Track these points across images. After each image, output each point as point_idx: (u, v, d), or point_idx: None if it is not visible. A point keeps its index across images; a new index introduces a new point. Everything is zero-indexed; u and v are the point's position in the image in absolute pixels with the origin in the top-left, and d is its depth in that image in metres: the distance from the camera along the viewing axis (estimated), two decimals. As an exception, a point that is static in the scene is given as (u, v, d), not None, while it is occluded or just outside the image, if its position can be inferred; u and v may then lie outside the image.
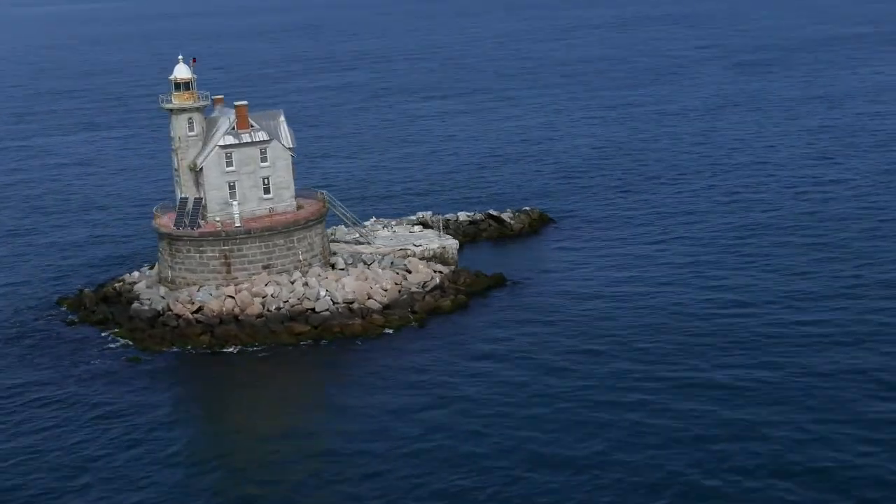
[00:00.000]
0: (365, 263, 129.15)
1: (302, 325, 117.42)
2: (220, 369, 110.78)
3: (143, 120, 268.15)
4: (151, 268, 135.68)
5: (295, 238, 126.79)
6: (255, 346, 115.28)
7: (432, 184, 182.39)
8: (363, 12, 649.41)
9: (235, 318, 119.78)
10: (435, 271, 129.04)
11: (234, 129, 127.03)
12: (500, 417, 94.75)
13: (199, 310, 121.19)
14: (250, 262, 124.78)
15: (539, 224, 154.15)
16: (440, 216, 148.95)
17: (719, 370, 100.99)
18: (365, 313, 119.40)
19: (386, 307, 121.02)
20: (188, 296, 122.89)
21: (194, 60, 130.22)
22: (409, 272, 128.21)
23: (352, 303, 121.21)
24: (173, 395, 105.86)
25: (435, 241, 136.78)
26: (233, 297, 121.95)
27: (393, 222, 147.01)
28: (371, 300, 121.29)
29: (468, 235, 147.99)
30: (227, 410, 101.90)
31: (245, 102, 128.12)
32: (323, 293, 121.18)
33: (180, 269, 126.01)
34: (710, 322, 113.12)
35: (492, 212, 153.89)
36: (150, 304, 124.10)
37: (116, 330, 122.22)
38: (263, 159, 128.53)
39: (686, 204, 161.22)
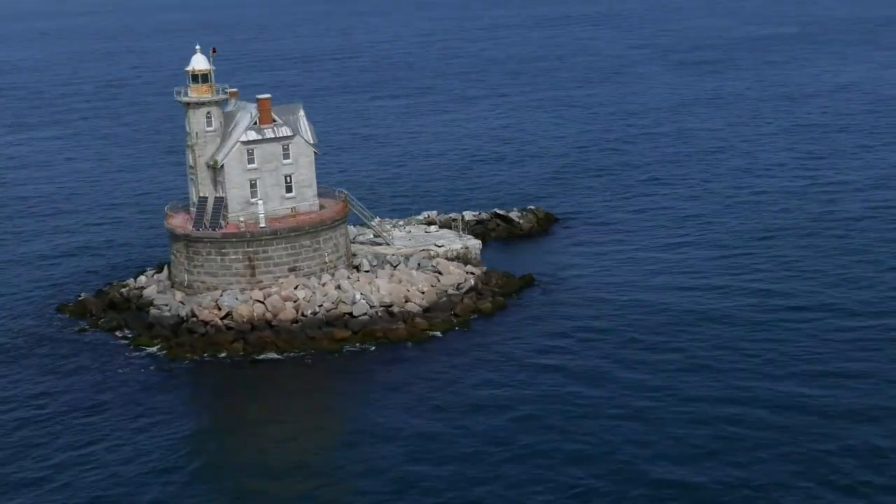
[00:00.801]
0: (391, 265, 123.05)
1: (343, 331, 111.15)
2: (263, 377, 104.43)
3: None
4: (158, 271, 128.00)
5: (321, 239, 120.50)
6: (294, 353, 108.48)
7: (415, 184, 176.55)
8: (254, 11, 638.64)
9: (268, 323, 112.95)
10: (467, 272, 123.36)
11: (256, 123, 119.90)
12: (578, 420, 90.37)
13: (227, 315, 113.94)
14: (276, 265, 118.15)
15: (546, 223, 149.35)
16: (459, 215, 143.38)
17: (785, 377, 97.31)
18: (406, 317, 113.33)
19: (426, 310, 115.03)
20: (212, 301, 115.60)
21: (214, 51, 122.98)
22: (440, 273, 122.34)
23: (389, 306, 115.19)
24: (216, 404, 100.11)
25: (457, 241, 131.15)
26: (261, 302, 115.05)
27: (401, 222, 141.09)
28: (410, 303, 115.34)
29: (476, 235, 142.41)
30: (278, 419, 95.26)
31: (268, 96, 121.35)
32: (358, 296, 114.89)
33: (199, 272, 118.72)
34: (759, 323, 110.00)
35: (499, 211, 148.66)
36: (171, 310, 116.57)
37: (135, 337, 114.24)
38: (286, 156, 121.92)
39: (685, 200, 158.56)
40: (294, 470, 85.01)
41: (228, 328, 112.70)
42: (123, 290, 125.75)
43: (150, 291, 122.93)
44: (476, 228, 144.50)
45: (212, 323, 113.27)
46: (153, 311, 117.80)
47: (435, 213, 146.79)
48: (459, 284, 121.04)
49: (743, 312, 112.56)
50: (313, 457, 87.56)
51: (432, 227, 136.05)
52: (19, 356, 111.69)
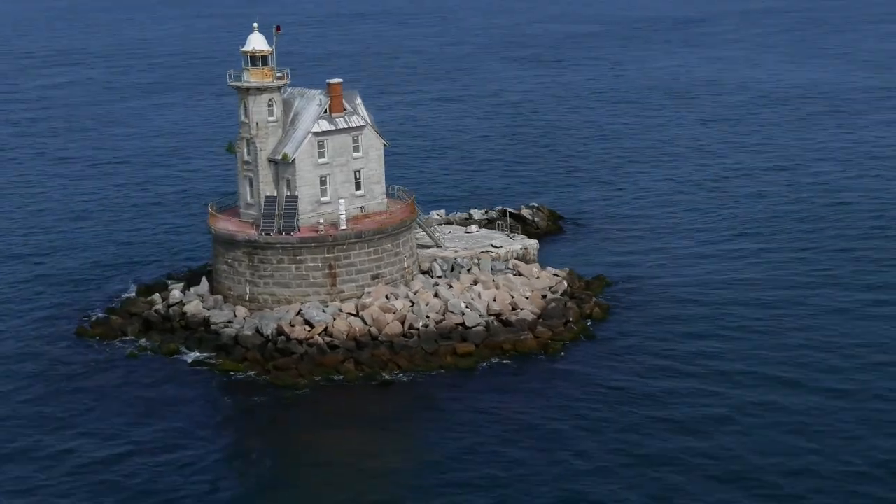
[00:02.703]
0: (465, 269, 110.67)
1: (465, 345, 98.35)
2: (412, 401, 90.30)
3: None
4: (188, 285, 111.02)
5: (401, 242, 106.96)
6: (420, 372, 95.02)
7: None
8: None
9: (373, 339, 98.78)
10: (553, 275, 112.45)
11: (326, 112, 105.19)
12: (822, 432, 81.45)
13: (324, 332, 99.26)
14: (358, 272, 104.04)
15: (555, 221, 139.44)
16: (508, 211, 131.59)
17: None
18: (525, 326, 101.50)
19: (540, 317, 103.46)
20: (297, 316, 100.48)
21: (278, 29, 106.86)
22: (524, 277, 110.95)
23: (499, 314, 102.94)
24: (397, 440, 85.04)
25: (514, 241, 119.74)
26: (355, 315, 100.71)
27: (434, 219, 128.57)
28: (523, 311, 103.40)
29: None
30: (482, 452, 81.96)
31: (340, 80, 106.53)
32: (462, 305, 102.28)
33: (268, 283, 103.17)
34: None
35: (510, 209, 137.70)
36: (243, 329, 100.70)
37: (216, 362, 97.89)
38: (356, 149, 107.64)
39: (681, 193, 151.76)
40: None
41: (332, 346, 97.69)
42: (158, 307, 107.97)
43: (194, 307, 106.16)
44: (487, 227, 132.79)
45: (311, 341, 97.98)
46: (226, 330, 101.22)
47: (479, 211, 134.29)
48: (552, 288, 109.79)
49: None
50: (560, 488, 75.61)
51: (473, 227, 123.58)
52: (83, 391, 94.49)
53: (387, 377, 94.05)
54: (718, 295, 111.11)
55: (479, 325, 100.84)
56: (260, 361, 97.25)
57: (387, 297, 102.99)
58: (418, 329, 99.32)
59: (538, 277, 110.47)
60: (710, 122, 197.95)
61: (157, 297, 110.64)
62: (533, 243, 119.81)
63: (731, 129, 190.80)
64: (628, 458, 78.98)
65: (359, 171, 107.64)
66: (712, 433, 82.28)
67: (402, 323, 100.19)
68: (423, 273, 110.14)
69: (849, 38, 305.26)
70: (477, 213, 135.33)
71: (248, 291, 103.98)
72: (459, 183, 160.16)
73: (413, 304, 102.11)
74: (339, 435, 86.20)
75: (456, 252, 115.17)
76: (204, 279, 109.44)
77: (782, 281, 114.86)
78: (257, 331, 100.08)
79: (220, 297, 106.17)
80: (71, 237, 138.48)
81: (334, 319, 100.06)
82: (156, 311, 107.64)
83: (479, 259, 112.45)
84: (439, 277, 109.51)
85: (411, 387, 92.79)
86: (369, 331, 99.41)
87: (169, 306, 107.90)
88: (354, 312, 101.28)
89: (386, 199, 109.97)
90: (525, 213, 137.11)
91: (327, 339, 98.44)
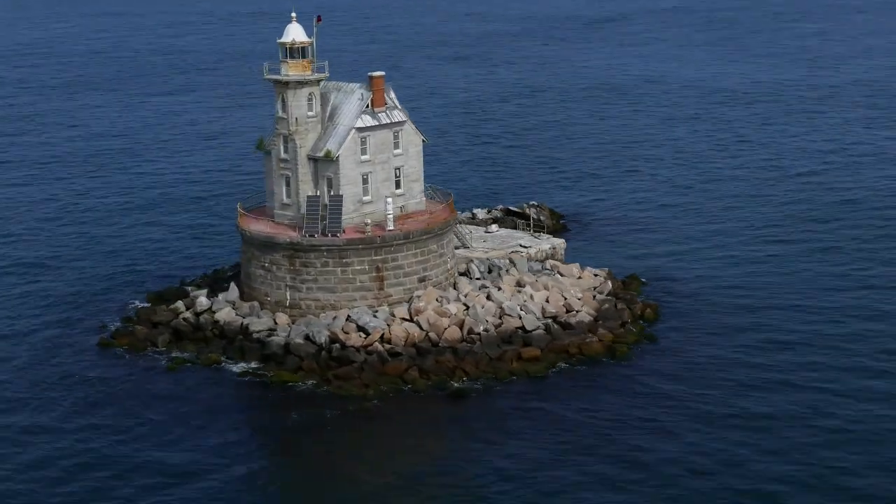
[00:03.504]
0: (503, 270, 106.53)
1: (530, 349, 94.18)
2: (491, 411, 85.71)
3: None
4: (213, 290, 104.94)
5: (445, 243, 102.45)
6: (489, 378, 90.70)
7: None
8: None
9: (433, 345, 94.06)
10: (595, 275, 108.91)
11: (368, 106, 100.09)
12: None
13: (381, 339, 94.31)
14: (406, 275, 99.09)
15: (558, 220, 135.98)
16: (533, 209, 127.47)
17: None
18: (587, 328, 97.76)
19: (596, 319, 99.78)
20: (350, 322, 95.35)
21: (319, 19, 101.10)
22: (566, 277, 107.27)
23: (555, 317, 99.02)
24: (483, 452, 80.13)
25: (541, 240, 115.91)
26: (410, 321, 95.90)
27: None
28: (579, 312, 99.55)
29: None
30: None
31: (382, 73, 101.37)
32: (518, 308, 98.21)
33: (311, 288, 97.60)
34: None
35: (512, 208, 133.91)
36: (291, 336, 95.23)
37: (269, 372, 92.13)
38: (396, 146, 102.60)
39: (669, 191, 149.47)
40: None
41: (392, 354, 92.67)
42: (184, 315, 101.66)
43: (226, 315, 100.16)
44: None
45: (369, 348, 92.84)
46: (273, 339, 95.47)
47: (482, 210, 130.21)
48: (597, 288, 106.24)
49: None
50: None
51: (493, 227, 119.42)
52: (132, 406, 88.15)
53: (458, 385, 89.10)
54: (753, 289, 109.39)
55: (537, 328, 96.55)
56: (317, 371, 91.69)
57: (437, 300, 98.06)
58: (479, 334, 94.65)
59: (580, 278, 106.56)
60: (674, 120, 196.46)
61: (180, 304, 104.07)
62: (560, 242, 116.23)
63: (700, 128, 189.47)
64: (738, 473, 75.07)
65: (399, 169, 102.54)
66: (821, 445, 78.74)
67: (460, 327, 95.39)
68: (461, 275, 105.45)
69: (768, 37, 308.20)
70: (481, 213, 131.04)
71: (288, 297, 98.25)
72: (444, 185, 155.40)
73: (467, 307, 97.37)
74: (419, 446, 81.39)
75: (486, 252, 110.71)
76: (232, 285, 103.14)
77: (817, 279, 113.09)
78: (308, 339, 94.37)
79: (255, 303, 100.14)
80: (60, 245, 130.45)
81: (389, 325, 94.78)
82: (184, 319, 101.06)
83: (513, 260, 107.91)
84: (478, 279, 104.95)
85: (486, 395, 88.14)
86: (428, 336, 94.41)
87: (197, 314, 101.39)
88: (408, 317, 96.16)
89: (424, 198, 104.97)
90: (529, 211, 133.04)
91: (387, 346, 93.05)
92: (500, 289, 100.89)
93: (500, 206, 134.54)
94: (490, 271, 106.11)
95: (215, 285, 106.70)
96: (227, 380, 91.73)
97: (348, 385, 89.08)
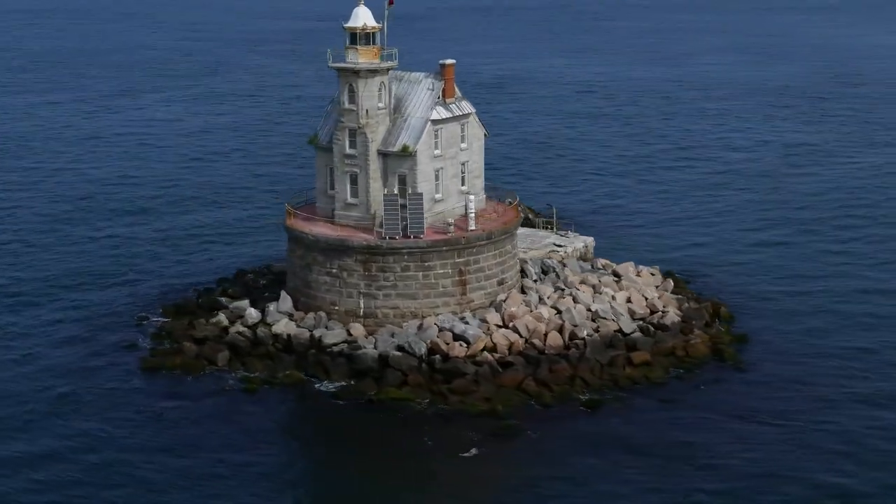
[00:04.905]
0: (555, 272, 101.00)
1: (640, 353, 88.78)
2: (649, 423, 79.62)
3: None
4: (254, 302, 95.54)
5: (516, 243, 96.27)
6: (608, 387, 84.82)
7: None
8: None
9: (540, 353, 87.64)
10: (652, 274, 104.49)
11: (440, 97, 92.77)
12: None
13: (485, 349, 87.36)
14: (486, 278, 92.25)
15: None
16: (552, 208, 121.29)
17: None
18: (678, 329, 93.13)
19: (683, 319, 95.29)
20: (446, 332, 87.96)
21: (391, 2, 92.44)
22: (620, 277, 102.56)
23: (643, 318, 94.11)
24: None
25: (569, 238, 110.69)
26: (505, 327, 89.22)
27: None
28: (668, 313, 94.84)
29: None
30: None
31: (453, 61, 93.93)
32: (609, 310, 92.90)
33: (389, 295, 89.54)
34: None
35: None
36: (384, 347, 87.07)
37: (368, 389, 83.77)
38: (462, 139, 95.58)
39: (666, 183, 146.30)
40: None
41: (504, 364, 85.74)
42: (242, 329, 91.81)
43: (285, 327, 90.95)
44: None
45: (477, 359, 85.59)
46: (364, 352, 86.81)
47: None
48: (659, 287, 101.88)
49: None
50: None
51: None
52: (228, 436, 77.91)
53: (591, 397, 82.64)
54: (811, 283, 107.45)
55: (634, 330, 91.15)
56: (424, 385, 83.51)
57: (524, 304, 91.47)
58: (583, 339, 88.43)
59: (639, 275, 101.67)
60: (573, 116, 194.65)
61: (222, 317, 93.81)
62: (590, 240, 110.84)
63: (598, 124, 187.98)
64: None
65: (464, 164, 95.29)
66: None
67: (559, 332, 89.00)
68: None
69: (605, 34, 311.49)
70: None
71: (362, 305, 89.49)
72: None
73: (559, 311, 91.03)
74: (599, 468, 74.17)
75: (525, 252, 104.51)
76: (283, 294, 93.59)
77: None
78: (404, 350, 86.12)
79: (321, 313, 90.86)
80: (51, 257, 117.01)
81: (488, 333, 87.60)
82: (239, 333, 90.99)
83: (563, 261, 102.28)
84: (535, 281, 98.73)
85: (620, 405, 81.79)
86: (532, 344, 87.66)
87: (250, 327, 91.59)
88: (501, 324, 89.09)
89: (484, 196, 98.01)
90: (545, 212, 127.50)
91: (496, 355, 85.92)
92: (582, 291, 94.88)
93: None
94: (545, 272, 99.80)
95: (253, 295, 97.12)
96: (321, 401, 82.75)
97: (469, 400, 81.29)
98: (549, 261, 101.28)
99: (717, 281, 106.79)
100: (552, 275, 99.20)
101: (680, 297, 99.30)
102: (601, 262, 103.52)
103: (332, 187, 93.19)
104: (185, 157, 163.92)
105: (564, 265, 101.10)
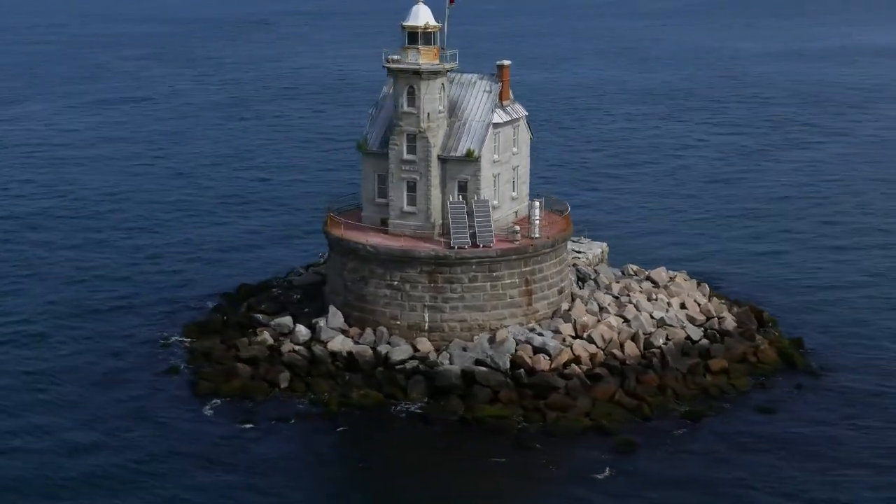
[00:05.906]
0: (594, 279, 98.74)
1: (718, 360, 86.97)
2: (755, 434, 77.59)
3: None
4: (295, 318, 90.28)
5: (569, 251, 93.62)
6: (695, 396, 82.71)
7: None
8: None
9: (621, 363, 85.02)
10: (685, 279, 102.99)
11: (498, 100, 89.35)
12: None
13: (570, 362, 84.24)
14: (549, 287, 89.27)
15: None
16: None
17: None
18: (738, 334, 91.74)
19: (739, 324, 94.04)
20: (525, 345, 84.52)
21: (452, 1, 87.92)
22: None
23: (702, 325, 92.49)
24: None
25: (584, 244, 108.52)
26: (580, 338, 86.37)
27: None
28: (725, 319, 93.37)
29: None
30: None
31: (509, 62, 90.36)
32: (675, 317, 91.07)
33: (456, 307, 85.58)
34: None
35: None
36: (464, 363, 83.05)
37: (455, 408, 79.72)
38: (514, 143, 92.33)
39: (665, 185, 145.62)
40: None
41: (591, 377, 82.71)
42: (296, 348, 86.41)
43: (342, 343, 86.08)
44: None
45: (567, 373, 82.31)
46: (446, 369, 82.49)
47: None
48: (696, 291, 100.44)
49: None
50: None
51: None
52: (331, 471, 73.61)
53: (688, 408, 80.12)
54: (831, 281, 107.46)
55: (701, 338, 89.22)
56: (516, 401, 79.70)
57: (591, 314, 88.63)
58: (659, 348, 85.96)
59: (673, 280, 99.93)
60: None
61: (267, 335, 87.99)
62: (604, 245, 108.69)
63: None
64: None
65: (515, 169, 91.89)
66: None
67: (633, 341, 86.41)
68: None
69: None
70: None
71: (427, 319, 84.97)
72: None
73: (626, 320, 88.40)
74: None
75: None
76: (333, 308, 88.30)
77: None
78: (486, 365, 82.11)
79: (381, 329, 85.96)
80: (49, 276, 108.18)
81: (567, 345, 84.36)
82: (295, 352, 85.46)
83: (597, 268, 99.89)
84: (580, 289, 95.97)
85: (721, 416, 79.44)
86: (613, 354, 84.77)
87: (301, 345, 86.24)
88: (575, 335, 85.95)
89: (528, 202, 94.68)
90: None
91: (583, 367, 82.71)
92: (641, 298, 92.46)
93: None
94: (582, 280, 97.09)
95: (294, 311, 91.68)
96: (408, 421, 77.87)
97: (572, 416, 77.82)
98: (583, 268, 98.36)
99: (739, 283, 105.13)
100: (590, 282, 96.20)
101: (723, 301, 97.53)
102: (632, 267, 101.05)
103: (382, 195, 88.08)
104: (173, 171, 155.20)
105: (598, 272, 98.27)
